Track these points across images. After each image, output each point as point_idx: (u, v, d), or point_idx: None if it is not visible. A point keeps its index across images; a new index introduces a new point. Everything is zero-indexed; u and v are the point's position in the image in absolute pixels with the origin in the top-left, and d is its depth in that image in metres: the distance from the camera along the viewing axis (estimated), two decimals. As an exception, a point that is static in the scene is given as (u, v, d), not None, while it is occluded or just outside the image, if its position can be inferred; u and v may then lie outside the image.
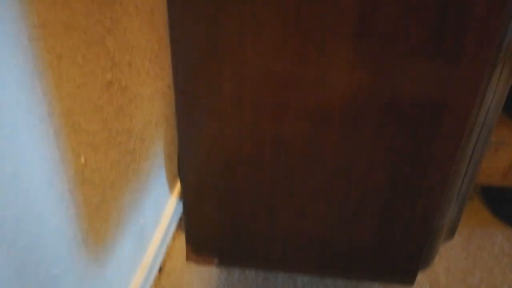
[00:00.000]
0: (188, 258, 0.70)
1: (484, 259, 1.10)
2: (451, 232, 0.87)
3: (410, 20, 0.54)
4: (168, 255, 1.06)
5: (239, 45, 0.57)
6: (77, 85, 0.61)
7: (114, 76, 0.73)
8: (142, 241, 0.93)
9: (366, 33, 0.55)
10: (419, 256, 0.76)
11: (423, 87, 0.59)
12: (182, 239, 1.10)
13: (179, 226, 1.12)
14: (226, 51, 0.57)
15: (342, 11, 0.53)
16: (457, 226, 0.90)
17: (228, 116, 0.62)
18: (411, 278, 0.78)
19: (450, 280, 1.05)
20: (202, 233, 0.69)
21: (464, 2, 0.52)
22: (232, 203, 0.66)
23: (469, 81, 0.58)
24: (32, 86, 0.51)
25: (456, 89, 0.59)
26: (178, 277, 1.02)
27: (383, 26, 0.54)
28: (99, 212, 0.71)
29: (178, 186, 1.14)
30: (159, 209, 1.03)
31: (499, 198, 1.22)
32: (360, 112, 0.61)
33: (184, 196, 0.68)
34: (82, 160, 0.64)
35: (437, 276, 1.06)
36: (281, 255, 0.71)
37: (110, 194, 0.74)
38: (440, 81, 0.58)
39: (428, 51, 0.56)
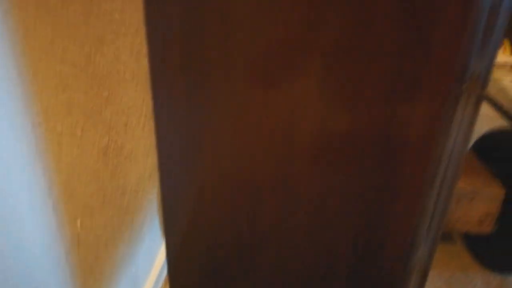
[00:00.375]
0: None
1: (463, 304, 1.14)
2: (422, 280, 0.91)
3: (371, 56, 0.56)
4: (159, 299, 1.10)
5: (219, 122, 0.63)
6: (75, 155, 0.67)
7: (111, 139, 0.79)
8: (134, 288, 0.98)
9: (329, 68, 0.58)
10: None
11: (384, 122, 0.61)
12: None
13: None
14: (205, 129, 0.63)
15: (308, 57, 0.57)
16: (427, 273, 0.93)
17: (209, 188, 0.68)
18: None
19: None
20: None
21: (425, 34, 0.54)
22: (213, 269, 0.71)
23: (430, 114, 0.60)
24: (34, 167, 0.56)
25: (417, 122, 0.60)
26: (168, 321, 1.06)
27: (345, 62, 0.57)
28: (93, 269, 0.76)
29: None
30: (152, 256, 1.08)
31: (479, 242, 1.27)
32: (329, 153, 0.63)
33: (168, 264, 0.73)
34: (78, 224, 0.69)
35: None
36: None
37: (104, 251, 0.79)
38: (402, 116, 0.60)
39: (389, 86, 0.58)
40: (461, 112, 0.63)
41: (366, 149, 0.64)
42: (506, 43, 2.73)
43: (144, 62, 0.87)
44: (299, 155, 0.64)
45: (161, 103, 0.63)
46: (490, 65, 0.65)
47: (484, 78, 0.64)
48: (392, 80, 0.59)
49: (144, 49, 0.87)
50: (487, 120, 2.15)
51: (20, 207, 0.54)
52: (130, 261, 0.92)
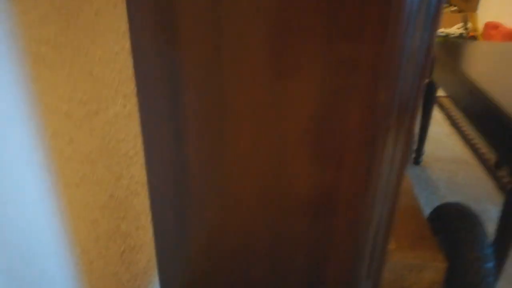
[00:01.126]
0: None
1: None
2: None
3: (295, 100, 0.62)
4: None
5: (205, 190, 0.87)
6: (101, 267, 0.92)
7: (126, 245, 1.04)
8: None
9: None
10: None
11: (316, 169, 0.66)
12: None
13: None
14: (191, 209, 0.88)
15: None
16: None
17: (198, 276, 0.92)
18: None
19: None
20: None
21: (348, 73, 0.59)
22: None
23: (358, 150, 0.64)
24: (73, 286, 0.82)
25: (346, 160, 0.66)
26: None
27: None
28: None
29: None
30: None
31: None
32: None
33: None
34: (103, 315, 0.94)
35: None
36: None
37: (121, 327, 1.04)
38: (330, 155, 0.66)
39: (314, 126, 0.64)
40: (393, 143, 0.66)
41: (301, 205, 0.71)
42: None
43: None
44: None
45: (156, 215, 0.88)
46: (417, 99, 0.66)
47: (412, 113, 0.66)
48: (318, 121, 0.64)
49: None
50: (468, 167, 2.35)
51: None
52: (141, 329, 1.17)
